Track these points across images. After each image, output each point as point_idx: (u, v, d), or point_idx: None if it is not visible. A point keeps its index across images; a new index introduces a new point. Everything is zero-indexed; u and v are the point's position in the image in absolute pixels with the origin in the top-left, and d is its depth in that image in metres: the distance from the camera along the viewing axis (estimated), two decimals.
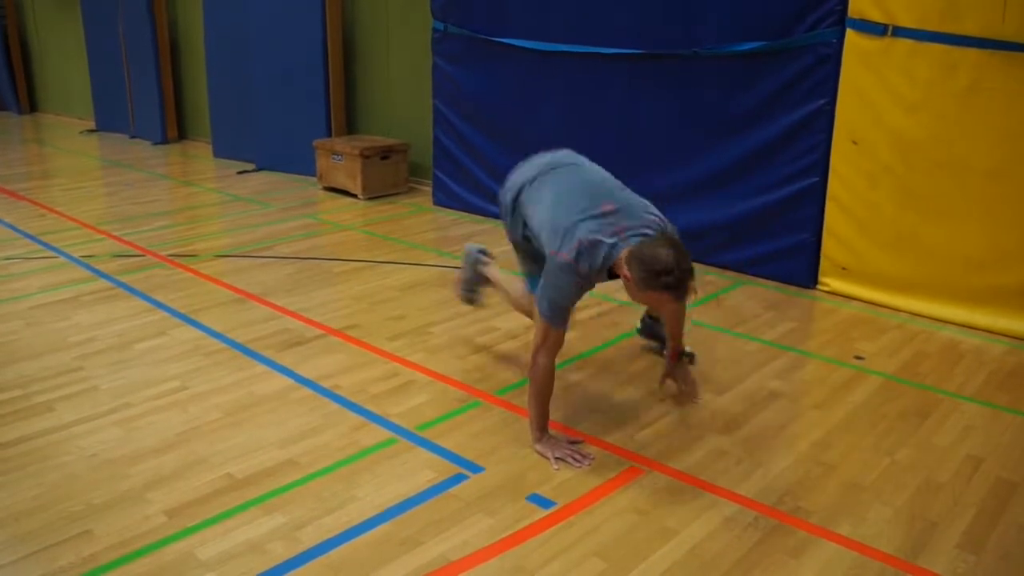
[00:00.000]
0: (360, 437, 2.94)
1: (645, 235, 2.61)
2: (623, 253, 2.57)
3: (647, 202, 2.80)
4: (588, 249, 2.59)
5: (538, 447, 2.82)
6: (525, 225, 2.96)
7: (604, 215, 2.65)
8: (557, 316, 2.70)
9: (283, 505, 2.53)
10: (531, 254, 3.06)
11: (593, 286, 2.74)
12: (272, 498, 2.56)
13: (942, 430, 3.03)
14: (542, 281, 2.72)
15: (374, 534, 2.40)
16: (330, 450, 2.85)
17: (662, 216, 2.75)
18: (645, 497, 2.59)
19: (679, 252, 2.48)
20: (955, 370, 3.55)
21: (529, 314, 3.27)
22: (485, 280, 3.57)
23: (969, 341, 3.87)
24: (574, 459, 2.77)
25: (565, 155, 3.07)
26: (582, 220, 2.64)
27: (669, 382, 3.19)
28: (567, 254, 2.61)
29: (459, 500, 2.56)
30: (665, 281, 2.44)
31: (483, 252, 3.59)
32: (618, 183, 2.91)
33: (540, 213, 2.83)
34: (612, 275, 2.69)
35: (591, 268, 2.61)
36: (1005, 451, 2.89)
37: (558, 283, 2.66)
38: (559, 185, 2.86)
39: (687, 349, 3.26)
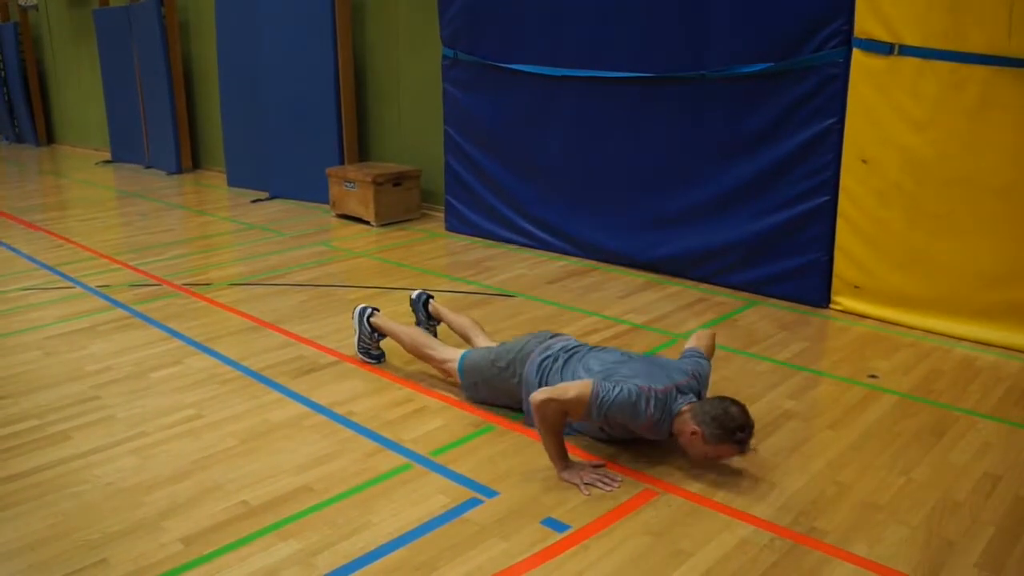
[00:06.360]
0: (375, 463, 2.95)
1: (694, 390, 2.91)
2: (685, 409, 2.80)
3: (670, 358, 3.12)
4: (662, 397, 2.79)
5: (564, 475, 2.81)
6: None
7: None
8: (601, 404, 2.76)
9: (299, 531, 2.53)
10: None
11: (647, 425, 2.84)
12: (288, 524, 2.57)
13: (958, 448, 3.01)
14: (619, 379, 2.82)
15: (390, 559, 2.40)
16: (345, 476, 2.85)
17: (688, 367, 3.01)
18: (659, 519, 2.59)
19: (743, 409, 2.75)
20: (971, 387, 3.53)
21: (424, 358, 3.57)
22: (379, 332, 3.77)
23: (985, 358, 3.84)
24: (603, 482, 2.77)
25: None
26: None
27: None
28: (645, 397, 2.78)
29: (474, 525, 2.56)
30: (739, 437, 2.70)
31: (368, 308, 3.82)
32: (646, 357, 3.18)
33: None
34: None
35: (657, 412, 2.78)
36: (1023, 469, 2.87)
37: (629, 399, 2.75)
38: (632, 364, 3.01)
39: None
